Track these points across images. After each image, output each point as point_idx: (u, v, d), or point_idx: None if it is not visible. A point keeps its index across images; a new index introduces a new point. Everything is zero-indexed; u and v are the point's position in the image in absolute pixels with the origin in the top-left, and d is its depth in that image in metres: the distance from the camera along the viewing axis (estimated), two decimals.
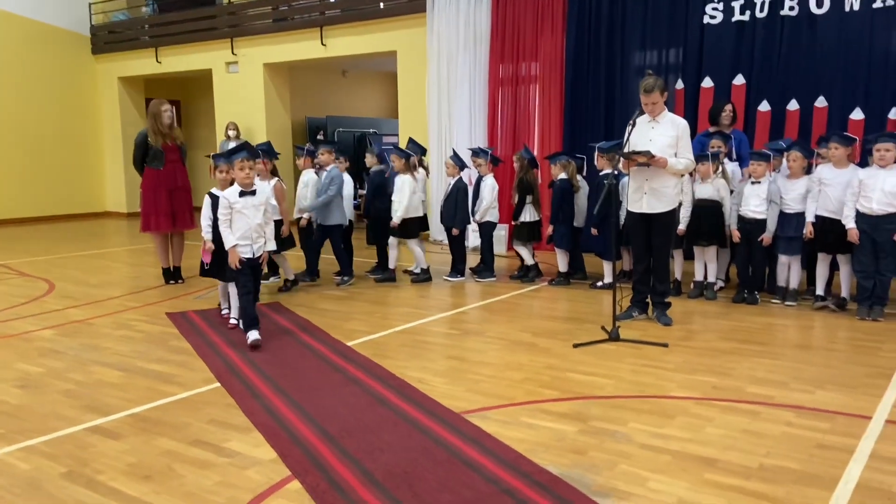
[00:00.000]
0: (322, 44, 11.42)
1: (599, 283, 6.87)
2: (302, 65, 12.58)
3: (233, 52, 12.59)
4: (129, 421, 3.65)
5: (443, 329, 5.47)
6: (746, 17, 7.84)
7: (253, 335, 4.91)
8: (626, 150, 5.22)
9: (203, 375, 4.37)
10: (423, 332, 5.37)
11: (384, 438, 3.36)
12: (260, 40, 12.25)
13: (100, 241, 11.09)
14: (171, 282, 7.36)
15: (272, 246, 5.30)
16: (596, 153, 6.80)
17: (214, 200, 5.30)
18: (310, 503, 2.77)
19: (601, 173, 6.71)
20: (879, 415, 3.61)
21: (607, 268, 6.77)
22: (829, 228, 5.71)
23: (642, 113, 5.25)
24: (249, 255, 4.99)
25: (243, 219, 4.93)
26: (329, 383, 4.15)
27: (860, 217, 5.48)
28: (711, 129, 7.06)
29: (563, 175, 6.98)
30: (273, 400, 3.91)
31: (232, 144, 11.05)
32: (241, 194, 4.93)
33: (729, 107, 7.05)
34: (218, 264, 5.43)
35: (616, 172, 5.20)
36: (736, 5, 7.88)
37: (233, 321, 5.50)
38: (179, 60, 13.35)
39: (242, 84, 12.62)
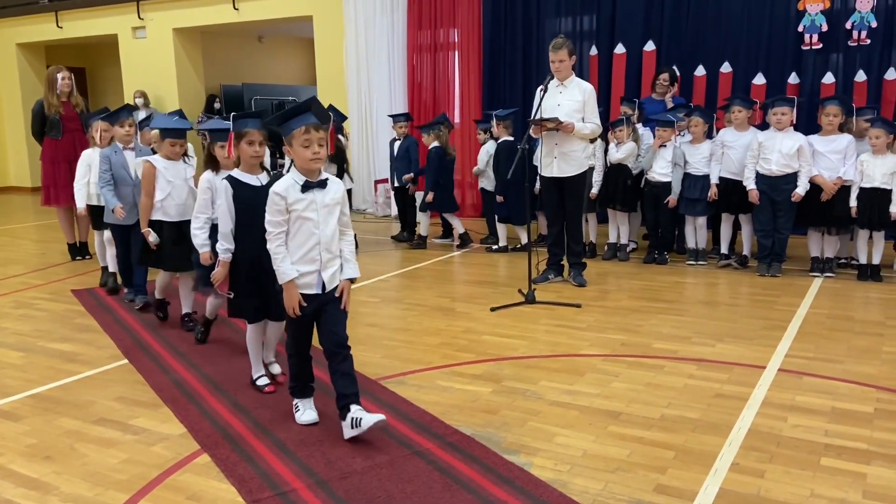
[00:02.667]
0: (234, 7, 11.02)
1: (495, 247, 7.04)
2: (214, 30, 12.12)
3: (139, 17, 12.00)
4: (29, 402, 3.51)
5: (362, 298, 5.46)
6: None
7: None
8: (537, 115, 5.28)
9: (110, 353, 4.23)
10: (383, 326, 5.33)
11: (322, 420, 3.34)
12: (168, 4, 11.71)
13: (2, 218, 10.51)
14: (78, 258, 7.06)
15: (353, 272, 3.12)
16: (494, 121, 6.90)
17: (244, 191, 3.38)
18: (219, 475, 2.73)
19: (499, 140, 6.83)
20: (773, 364, 3.82)
21: (521, 232, 6.88)
22: (731, 189, 5.95)
23: (552, 77, 5.31)
24: (316, 291, 3.02)
25: (307, 227, 2.98)
26: (242, 355, 4.08)
27: (760, 178, 5.73)
28: (654, 96, 7.18)
29: (435, 143, 7.19)
30: (183, 374, 3.83)
31: (141, 114, 10.60)
32: (306, 187, 2.94)
33: (664, 75, 7.13)
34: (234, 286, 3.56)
35: (527, 137, 5.27)
36: None
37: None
38: (82, 25, 12.64)
39: (151, 50, 12.07)
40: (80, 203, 5.64)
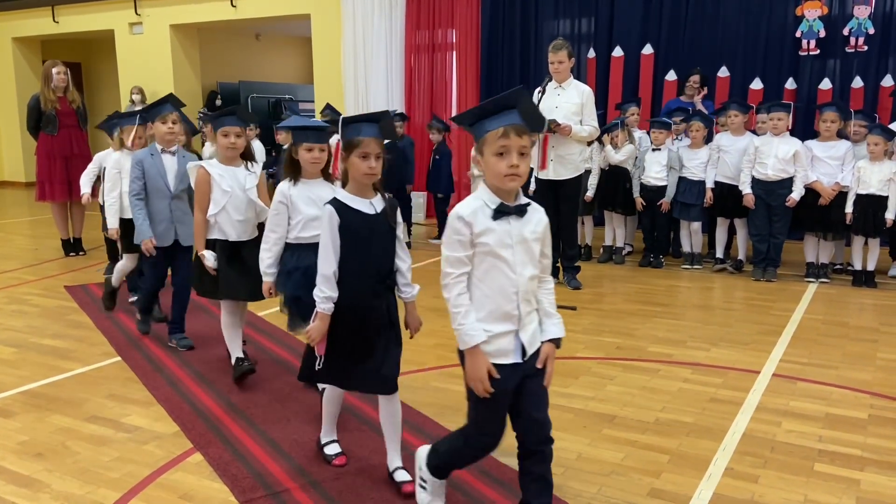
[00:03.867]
0: (232, 5, 10.99)
1: None
2: (212, 27, 12.09)
3: (136, 13, 11.96)
4: (21, 398, 3.49)
5: None
6: None
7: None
8: None
9: (103, 350, 4.20)
10: None
11: (291, 408, 3.33)
12: (166, 0, 11.67)
13: None
14: (72, 254, 7.03)
15: None
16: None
17: (355, 220, 2.53)
18: (212, 475, 2.72)
19: None
20: (767, 369, 3.83)
21: None
22: (727, 193, 5.96)
23: (550, 79, 5.31)
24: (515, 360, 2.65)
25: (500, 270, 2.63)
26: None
27: (755, 183, 5.74)
28: (683, 98, 7.16)
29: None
30: (176, 372, 3.81)
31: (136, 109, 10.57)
32: (500, 213, 2.26)
33: (695, 77, 7.04)
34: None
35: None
36: None
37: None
38: (78, 20, 12.58)
39: (148, 46, 12.02)
40: (113, 222, 4.65)
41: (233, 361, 3.62)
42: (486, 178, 2.13)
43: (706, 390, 3.54)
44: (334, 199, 2.50)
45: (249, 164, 3.68)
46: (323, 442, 2.86)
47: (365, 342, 2.51)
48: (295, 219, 3.06)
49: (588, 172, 6.25)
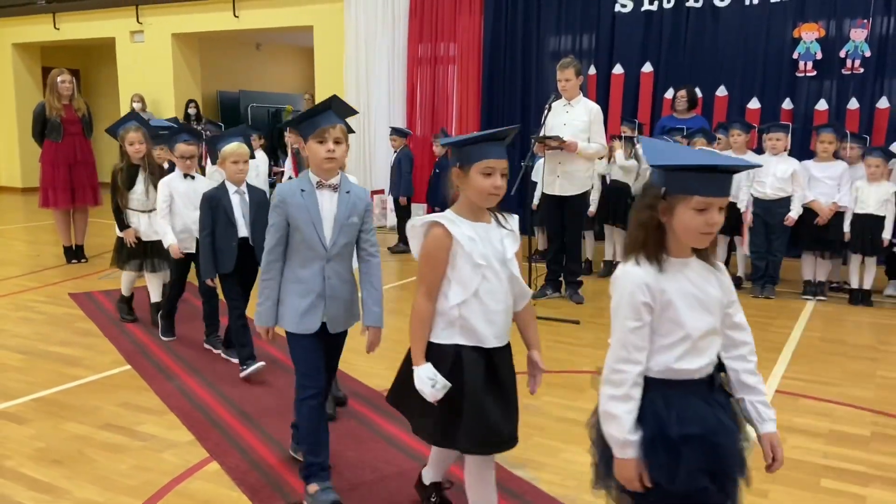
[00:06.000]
0: (235, 15, 11.06)
1: None
2: (213, 36, 12.15)
3: (138, 21, 12.01)
4: (33, 405, 3.51)
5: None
6: (654, 7, 8.13)
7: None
8: (542, 133, 5.36)
9: (112, 358, 4.23)
10: None
11: None
12: (168, 9, 11.72)
13: None
14: (74, 261, 7.03)
15: None
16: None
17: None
18: (230, 484, 2.75)
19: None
20: (770, 386, 3.89)
21: None
22: (726, 211, 6.04)
23: (558, 97, 5.40)
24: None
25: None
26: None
27: (754, 201, 5.84)
28: (675, 115, 7.26)
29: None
30: (188, 381, 3.84)
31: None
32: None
33: (682, 93, 7.10)
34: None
35: (531, 155, 5.36)
36: None
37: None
38: (79, 27, 12.62)
39: (149, 54, 12.07)
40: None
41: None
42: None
43: None
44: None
45: (502, 214, 2.24)
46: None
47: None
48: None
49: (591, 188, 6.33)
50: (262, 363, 3.86)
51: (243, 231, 3.81)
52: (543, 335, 4.71)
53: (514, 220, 2.25)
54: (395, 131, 8.11)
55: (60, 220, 7.08)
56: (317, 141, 2.46)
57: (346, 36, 10.00)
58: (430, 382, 2.11)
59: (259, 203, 3.83)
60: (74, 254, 7.09)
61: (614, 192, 6.51)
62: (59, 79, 6.90)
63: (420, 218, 2.19)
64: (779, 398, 3.71)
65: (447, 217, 2.14)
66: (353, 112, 2.60)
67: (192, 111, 11.69)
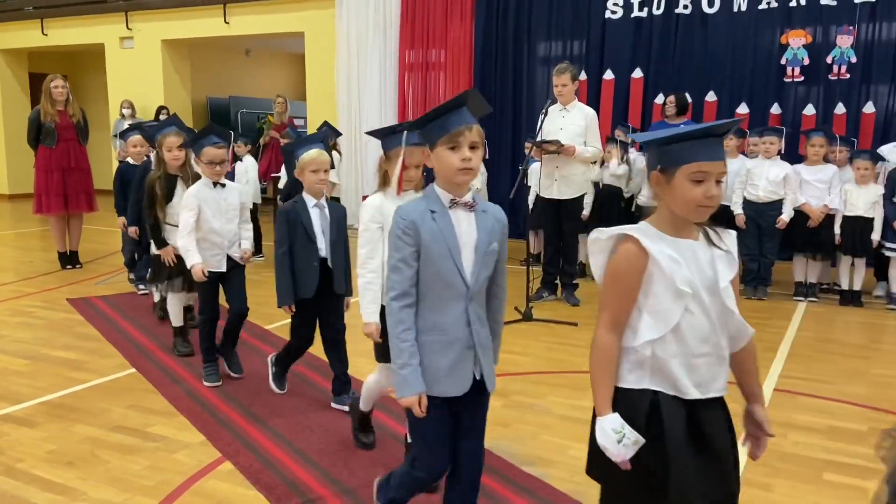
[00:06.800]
0: (226, 21, 11.07)
1: None
2: (203, 42, 12.15)
3: (127, 27, 11.99)
4: (42, 408, 3.52)
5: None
6: (644, 14, 8.26)
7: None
8: (538, 137, 5.43)
9: (116, 361, 4.23)
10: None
11: (312, 419, 3.40)
12: (158, 15, 11.72)
13: None
14: (69, 266, 7.01)
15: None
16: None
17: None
18: (244, 482, 2.78)
19: None
20: (768, 384, 3.97)
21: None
22: (719, 214, 6.09)
23: (554, 101, 5.48)
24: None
25: None
26: (251, 367, 4.11)
27: (747, 204, 5.95)
28: (666, 119, 7.33)
29: None
30: (194, 384, 3.86)
31: (126, 124, 10.54)
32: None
33: (671, 98, 7.08)
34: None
35: (526, 158, 5.43)
36: (635, 2, 8.27)
37: None
38: (68, 33, 12.57)
39: (138, 60, 12.04)
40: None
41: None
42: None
43: None
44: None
45: (715, 230, 1.87)
46: None
47: None
48: None
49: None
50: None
51: (323, 251, 3.36)
52: (543, 337, 4.80)
53: (730, 238, 1.82)
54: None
55: (55, 226, 7.05)
56: (448, 147, 1.96)
57: (338, 42, 10.05)
58: (616, 437, 1.68)
59: (339, 219, 3.45)
60: (69, 260, 7.07)
61: (607, 196, 6.59)
62: (52, 84, 6.89)
63: (605, 229, 1.79)
64: (778, 396, 3.79)
65: (642, 230, 1.75)
66: (489, 109, 2.15)
67: (163, 118, 11.40)
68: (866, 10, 7.31)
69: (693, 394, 1.72)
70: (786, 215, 5.82)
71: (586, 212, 6.58)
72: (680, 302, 1.70)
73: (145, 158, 5.42)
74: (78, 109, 7.08)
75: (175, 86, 12.20)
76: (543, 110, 5.43)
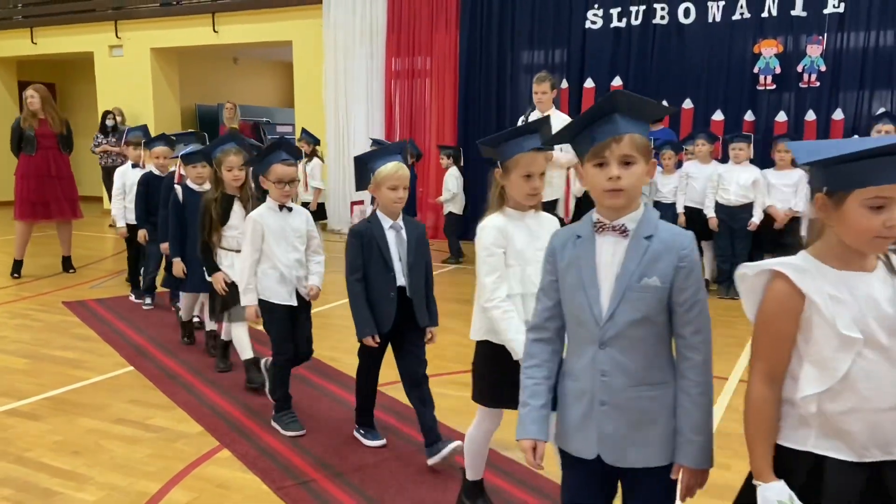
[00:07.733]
0: (214, 30, 11.25)
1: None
2: (192, 50, 12.31)
3: (116, 36, 12.13)
4: (45, 403, 3.69)
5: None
6: (623, 24, 8.52)
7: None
8: None
9: (114, 360, 4.41)
10: (329, 315, 5.58)
11: (305, 412, 3.59)
12: (147, 24, 11.87)
13: None
14: (71, 271, 7.13)
15: None
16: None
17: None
18: (242, 467, 2.98)
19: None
20: (735, 375, 4.22)
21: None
22: (694, 217, 6.41)
23: (533, 109, 5.72)
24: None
25: None
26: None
27: (719, 207, 6.21)
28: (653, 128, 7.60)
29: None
30: (191, 380, 4.05)
31: (103, 139, 10.62)
32: None
33: None
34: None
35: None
36: (614, 12, 8.54)
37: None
38: (57, 42, 12.68)
39: (127, 69, 12.17)
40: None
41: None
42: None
43: None
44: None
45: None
46: None
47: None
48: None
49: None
50: (457, 442, 2.93)
51: (401, 278, 2.98)
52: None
53: None
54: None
55: (22, 231, 7.00)
56: (595, 164, 1.62)
57: (326, 51, 10.25)
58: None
59: (419, 240, 3.03)
60: (63, 265, 7.19)
61: (587, 200, 6.82)
62: (27, 93, 6.97)
63: (752, 264, 1.55)
64: (742, 386, 3.99)
65: (796, 265, 1.49)
66: (663, 112, 2.26)
67: (109, 122, 10.82)
68: (835, 21, 7.60)
69: (874, 454, 1.45)
70: (756, 218, 6.08)
71: (562, 213, 6.84)
72: (848, 349, 1.43)
73: (171, 170, 5.11)
74: (57, 119, 7.02)
75: (164, 93, 12.35)
76: (524, 116, 5.67)
